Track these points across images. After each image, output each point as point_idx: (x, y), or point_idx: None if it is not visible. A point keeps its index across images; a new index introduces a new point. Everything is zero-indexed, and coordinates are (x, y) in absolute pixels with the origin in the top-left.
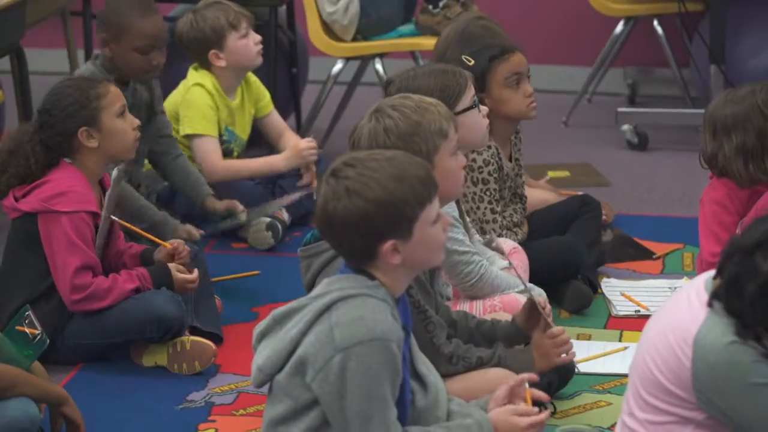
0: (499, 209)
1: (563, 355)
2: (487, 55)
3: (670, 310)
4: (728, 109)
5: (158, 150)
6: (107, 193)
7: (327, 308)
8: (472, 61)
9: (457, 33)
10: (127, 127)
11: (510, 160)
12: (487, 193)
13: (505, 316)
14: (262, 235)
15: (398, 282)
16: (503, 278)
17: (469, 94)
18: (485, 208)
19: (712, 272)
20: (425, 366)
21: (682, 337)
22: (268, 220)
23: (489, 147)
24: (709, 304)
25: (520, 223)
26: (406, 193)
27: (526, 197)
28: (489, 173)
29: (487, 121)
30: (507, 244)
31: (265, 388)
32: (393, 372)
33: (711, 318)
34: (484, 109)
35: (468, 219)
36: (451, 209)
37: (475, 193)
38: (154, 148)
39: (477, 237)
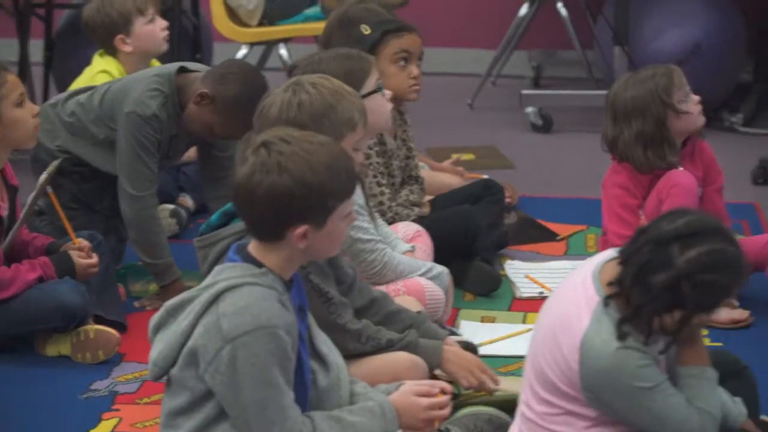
0: (385, 182)
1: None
2: (383, 28)
3: (561, 299)
4: (629, 92)
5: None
6: (30, 196)
7: (215, 299)
8: (369, 31)
9: (338, 18)
10: (27, 115)
11: (395, 138)
12: (371, 167)
13: (409, 300)
14: (166, 222)
15: (291, 266)
16: (406, 263)
17: (373, 78)
18: (371, 182)
19: (602, 258)
20: (326, 345)
21: (570, 341)
22: (171, 207)
23: (367, 124)
24: (605, 303)
25: (417, 203)
26: (334, 183)
27: (422, 178)
28: (369, 147)
29: (390, 105)
30: (411, 227)
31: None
32: (283, 358)
33: (597, 319)
34: (388, 93)
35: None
36: (357, 196)
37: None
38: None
39: (380, 221)
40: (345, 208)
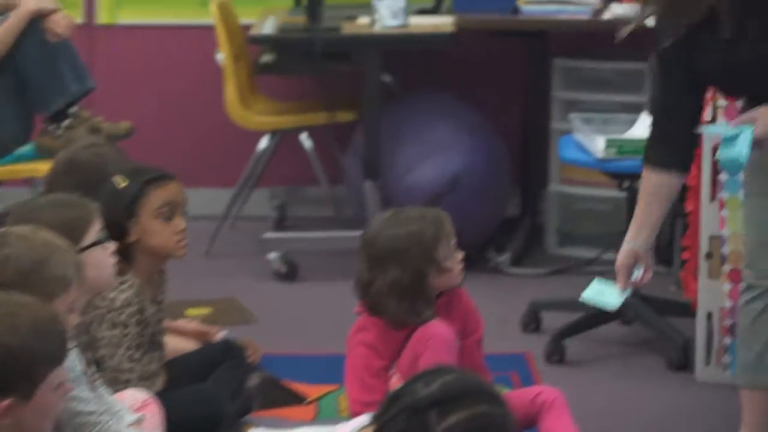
0: (137, 357)
1: None
2: (142, 178)
3: None
4: (389, 233)
5: None
6: None
7: None
8: (125, 183)
9: (64, 162)
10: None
11: (153, 302)
12: (126, 338)
13: None
14: None
15: None
16: None
17: (95, 229)
18: (122, 355)
19: (354, 425)
20: None
21: None
22: None
23: (131, 286)
24: None
25: (157, 373)
26: (41, 349)
27: (165, 344)
28: (130, 315)
29: (113, 259)
30: (138, 395)
31: None
32: None
33: None
34: (111, 245)
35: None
36: (74, 363)
37: (112, 338)
38: None
39: (103, 389)
40: (55, 378)
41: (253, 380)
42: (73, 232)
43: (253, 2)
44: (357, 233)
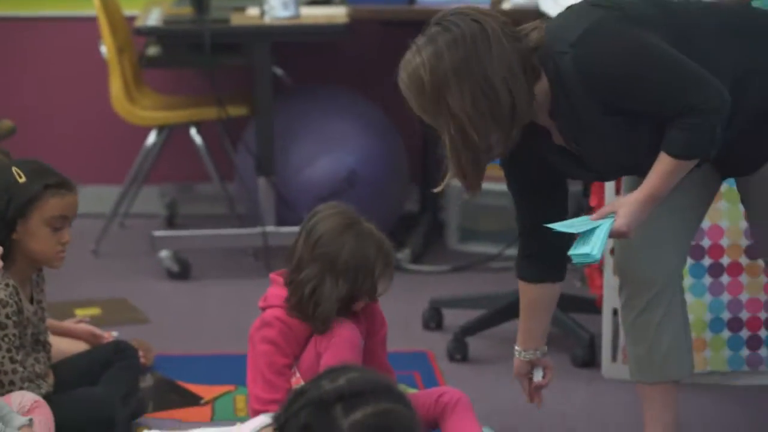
0: (19, 358)
1: None
2: (43, 181)
3: None
4: (353, 246)
5: None
6: None
7: None
8: (23, 179)
9: None
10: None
11: (31, 303)
12: (6, 339)
13: None
14: None
15: None
16: None
17: None
18: (3, 357)
19: (254, 425)
20: None
21: None
22: None
23: (7, 285)
24: None
25: (43, 374)
26: None
27: (50, 344)
28: (7, 316)
29: None
30: (26, 397)
31: None
32: None
33: None
34: None
35: None
36: None
37: None
38: None
39: None
40: None
41: (147, 381)
42: None
43: None
44: (250, 230)
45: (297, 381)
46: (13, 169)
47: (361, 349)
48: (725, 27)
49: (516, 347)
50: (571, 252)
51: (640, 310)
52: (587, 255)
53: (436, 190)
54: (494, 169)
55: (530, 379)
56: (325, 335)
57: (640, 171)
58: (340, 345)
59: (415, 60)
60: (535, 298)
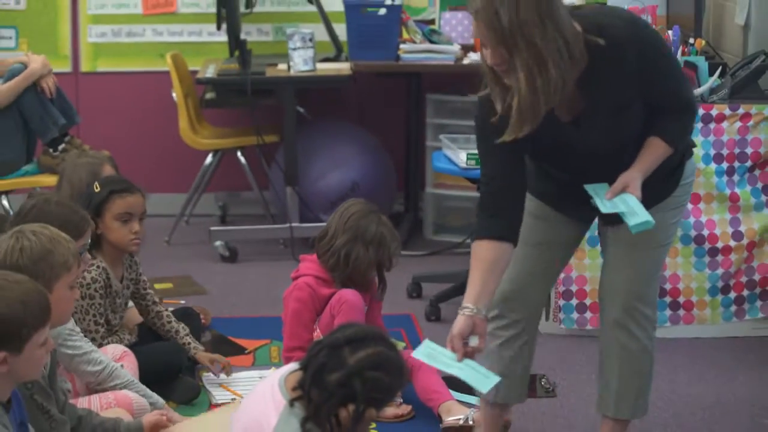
0: (102, 321)
1: None
2: (111, 187)
3: (252, 404)
4: (374, 222)
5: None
6: None
7: None
8: (99, 189)
9: (62, 169)
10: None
11: (121, 281)
12: (93, 307)
13: (120, 412)
14: None
15: (2, 388)
16: (125, 374)
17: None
18: (90, 320)
19: (287, 369)
20: None
21: None
22: None
23: (97, 267)
24: (291, 404)
25: (127, 329)
26: (27, 315)
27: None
28: (95, 290)
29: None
30: (118, 348)
31: None
32: None
33: (284, 420)
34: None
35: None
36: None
37: (82, 306)
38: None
39: (90, 345)
40: (40, 337)
41: (206, 337)
42: (73, 231)
43: (198, 53)
44: (280, 226)
45: (317, 335)
46: (95, 183)
47: (364, 311)
48: None
49: (467, 305)
50: (631, 224)
51: (508, 338)
52: (647, 222)
53: (493, 119)
54: (459, 180)
55: (465, 342)
56: (336, 302)
57: (617, 154)
58: (348, 310)
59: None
60: (494, 258)
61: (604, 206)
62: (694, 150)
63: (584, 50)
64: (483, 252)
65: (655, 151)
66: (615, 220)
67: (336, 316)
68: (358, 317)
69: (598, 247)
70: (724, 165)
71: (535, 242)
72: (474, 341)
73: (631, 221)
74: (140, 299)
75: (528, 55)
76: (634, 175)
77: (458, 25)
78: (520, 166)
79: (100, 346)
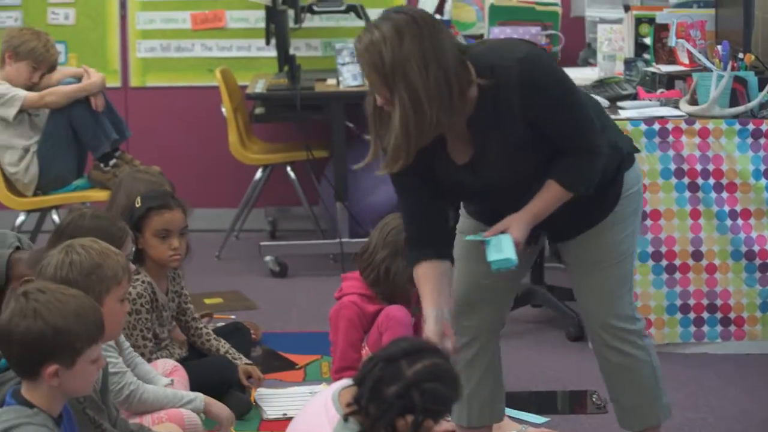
0: (149, 336)
1: None
2: (148, 204)
3: (305, 420)
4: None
5: None
6: None
7: None
8: (139, 204)
9: (119, 182)
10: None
11: (166, 294)
12: (140, 322)
13: (172, 427)
14: None
15: (54, 403)
16: (160, 396)
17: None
18: (137, 335)
19: (339, 385)
20: None
21: None
22: None
23: (142, 282)
24: (345, 419)
25: (176, 343)
26: (81, 329)
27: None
28: (141, 305)
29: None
30: (168, 363)
31: None
32: None
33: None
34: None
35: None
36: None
37: (129, 322)
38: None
39: (140, 359)
40: (92, 352)
41: (256, 352)
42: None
43: (247, 68)
44: (330, 241)
45: (366, 353)
46: (137, 199)
47: (411, 326)
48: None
49: (430, 309)
50: (490, 259)
51: (471, 358)
52: (508, 260)
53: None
54: None
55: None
56: (384, 319)
57: (520, 190)
58: (396, 326)
59: (374, 35)
60: (439, 273)
61: (471, 237)
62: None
63: (475, 92)
64: (426, 270)
65: (548, 195)
66: (563, 236)
67: (384, 333)
68: (406, 333)
69: (649, 263)
70: None
71: (476, 258)
72: (448, 343)
73: (490, 257)
74: (180, 314)
75: (406, 94)
76: (520, 218)
77: None
78: (435, 201)
79: (149, 360)
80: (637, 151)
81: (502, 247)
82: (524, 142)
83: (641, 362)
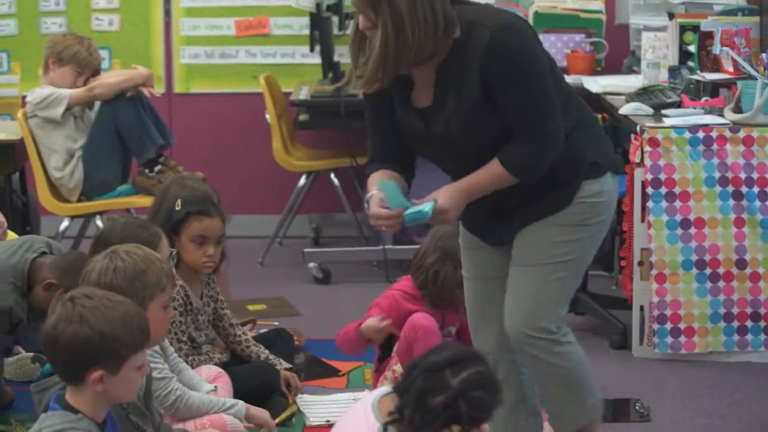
0: (185, 338)
1: None
2: (187, 208)
3: (346, 427)
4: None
5: None
6: None
7: None
8: (180, 207)
9: (166, 186)
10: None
11: (201, 298)
12: (173, 325)
13: None
14: (29, 367)
15: (98, 408)
16: (197, 398)
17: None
18: (171, 338)
19: (378, 392)
20: None
21: None
22: (31, 354)
23: (174, 285)
24: (385, 428)
25: (216, 348)
26: (127, 336)
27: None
28: (174, 308)
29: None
30: (212, 369)
31: None
32: None
33: None
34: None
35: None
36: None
37: None
38: None
39: (184, 365)
40: (138, 359)
41: (300, 358)
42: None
43: (292, 75)
44: (374, 248)
45: (394, 363)
46: (177, 201)
47: (440, 332)
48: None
49: (375, 164)
50: (405, 213)
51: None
52: (420, 211)
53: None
54: None
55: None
56: (410, 328)
57: (468, 161)
58: (425, 334)
59: None
60: (393, 174)
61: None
62: None
63: (451, 41)
64: (380, 173)
65: (487, 173)
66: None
67: (414, 344)
68: (435, 340)
69: (693, 271)
70: None
71: (476, 276)
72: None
73: (408, 211)
74: (217, 320)
75: (390, 18)
76: (451, 186)
77: (551, 47)
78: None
79: (188, 364)
80: (621, 172)
81: (422, 207)
82: (477, 105)
83: (558, 368)
